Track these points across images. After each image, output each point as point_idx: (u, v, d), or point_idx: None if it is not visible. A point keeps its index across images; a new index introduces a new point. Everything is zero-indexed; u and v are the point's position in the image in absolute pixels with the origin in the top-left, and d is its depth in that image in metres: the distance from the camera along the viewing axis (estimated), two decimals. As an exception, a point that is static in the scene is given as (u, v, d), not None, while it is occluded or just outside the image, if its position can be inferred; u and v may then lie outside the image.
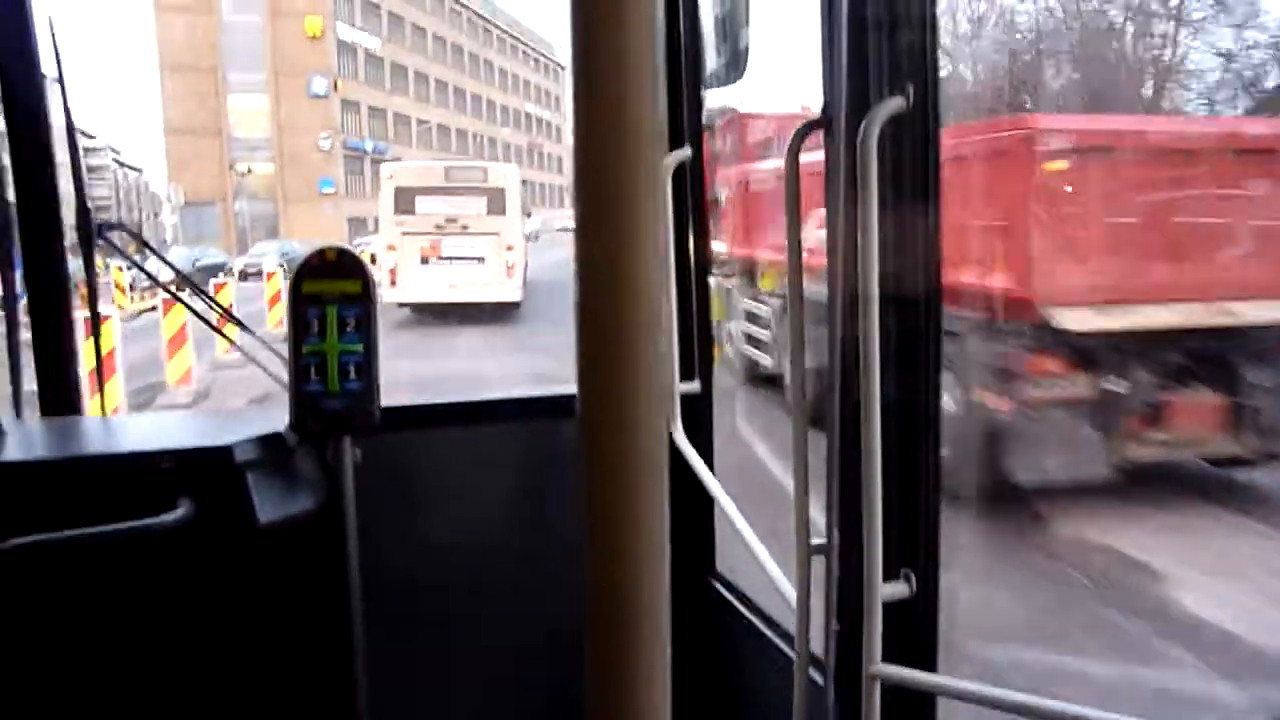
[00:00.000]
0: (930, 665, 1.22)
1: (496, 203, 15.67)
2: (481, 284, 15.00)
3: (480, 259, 15.27)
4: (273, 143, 44.04)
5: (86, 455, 1.74)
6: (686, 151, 1.84)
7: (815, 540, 1.25)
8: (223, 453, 1.60)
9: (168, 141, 43.05)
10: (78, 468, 1.64)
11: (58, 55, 1.91)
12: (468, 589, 2.03)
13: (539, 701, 2.06)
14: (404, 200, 15.43)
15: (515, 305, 15.56)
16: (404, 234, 14.96)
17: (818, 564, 1.25)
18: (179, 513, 1.50)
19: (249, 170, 42.54)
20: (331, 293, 1.67)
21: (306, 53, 43.35)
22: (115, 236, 1.97)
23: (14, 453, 1.67)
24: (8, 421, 1.79)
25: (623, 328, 0.57)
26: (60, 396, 1.96)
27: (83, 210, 1.95)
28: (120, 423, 2.16)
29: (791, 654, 1.29)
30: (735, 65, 1.68)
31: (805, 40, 1.36)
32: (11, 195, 1.92)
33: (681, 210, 1.93)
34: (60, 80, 1.91)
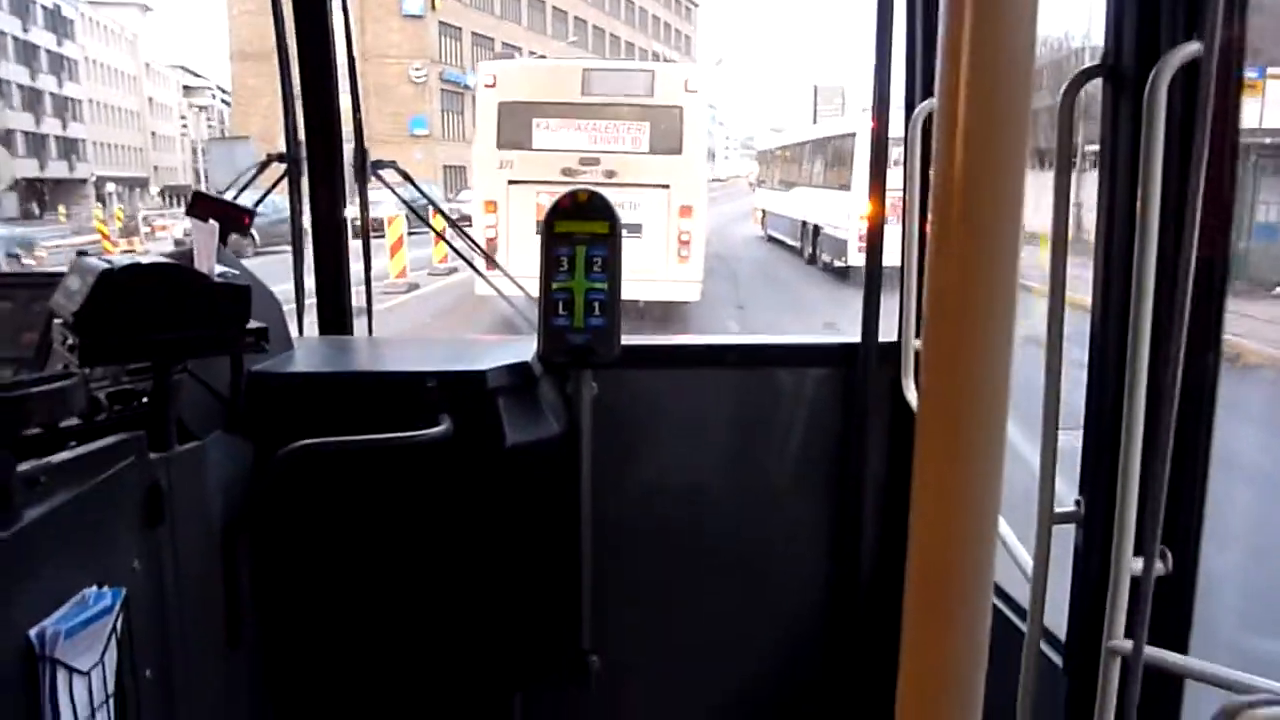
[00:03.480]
0: (1181, 648, 1.18)
1: (667, 133, 9.58)
2: (639, 271, 7.21)
3: (636, 228, 9.25)
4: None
5: (363, 371, 2.02)
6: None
7: (1060, 509, 1.21)
8: (478, 377, 1.81)
9: (235, 69, 36.20)
10: (355, 382, 1.91)
11: (346, 13, 2.18)
12: (693, 529, 2.18)
13: (764, 650, 2.25)
14: (514, 125, 9.63)
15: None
16: (511, 183, 9.46)
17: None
18: (441, 428, 1.73)
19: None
20: (581, 233, 1.83)
21: (399, -38, 37.06)
22: (386, 173, 2.26)
23: (301, 365, 1.96)
24: (295, 337, 2.10)
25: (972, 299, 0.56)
26: (336, 317, 2.28)
27: (360, 150, 2.26)
28: (384, 343, 2.46)
29: (1023, 626, 1.27)
30: None
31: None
32: (303, 136, 2.22)
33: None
34: (348, 34, 2.20)
